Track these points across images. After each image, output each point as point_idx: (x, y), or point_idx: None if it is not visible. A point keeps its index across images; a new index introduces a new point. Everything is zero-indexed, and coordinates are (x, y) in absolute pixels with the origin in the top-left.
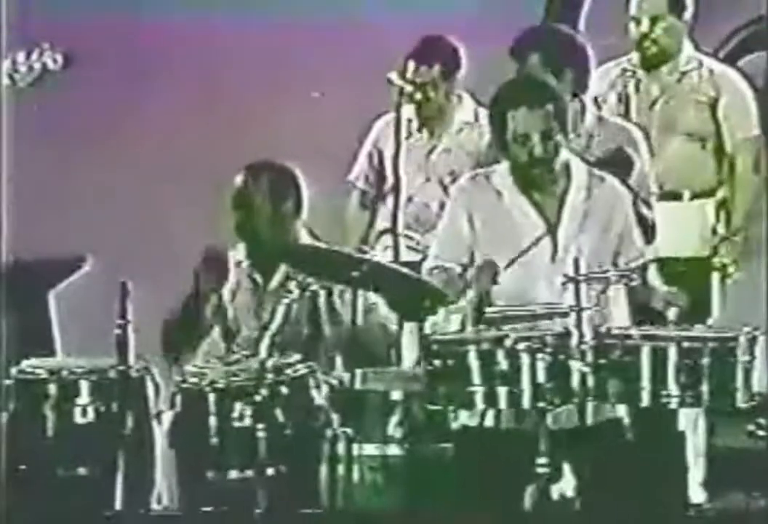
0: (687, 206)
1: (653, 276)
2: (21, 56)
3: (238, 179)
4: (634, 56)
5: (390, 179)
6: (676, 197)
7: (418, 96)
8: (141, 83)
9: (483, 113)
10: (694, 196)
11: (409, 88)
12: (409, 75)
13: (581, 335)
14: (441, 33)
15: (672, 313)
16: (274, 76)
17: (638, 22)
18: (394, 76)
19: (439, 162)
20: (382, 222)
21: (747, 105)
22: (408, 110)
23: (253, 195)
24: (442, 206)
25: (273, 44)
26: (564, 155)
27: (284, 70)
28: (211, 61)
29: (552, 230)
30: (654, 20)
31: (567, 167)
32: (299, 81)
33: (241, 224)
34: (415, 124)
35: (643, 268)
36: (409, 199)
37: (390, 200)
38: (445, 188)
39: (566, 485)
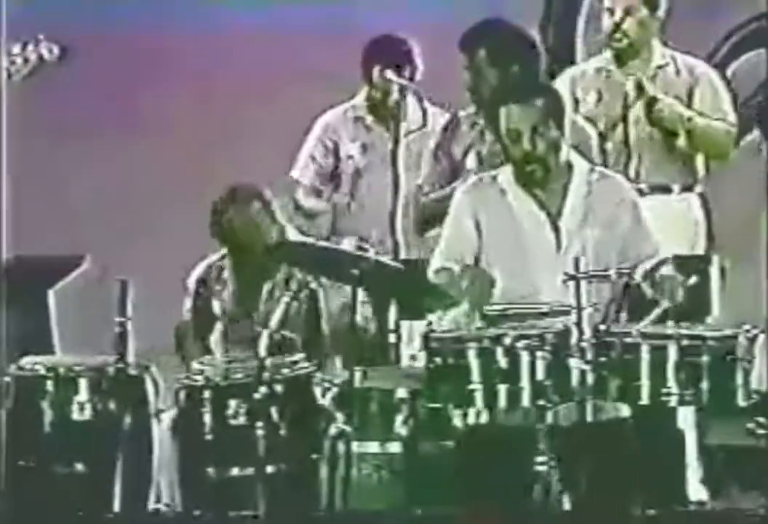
0: (675, 199)
1: (666, 270)
2: (16, 48)
3: (224, 206)
4: (607, 54)
5: (348, 171)
6: (665, 190)
7: (386, 102)
8: (139, 77)
9: (431, 110)
10: (683, 189)
11: (377, 92)
12: (382, 80)
13: (581, 333)
14: (442, 34)
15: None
16: (274, 69)
17: (611, 12)
18: (392, 74)
19: (405, 158)
20: (341, 217)
21: (721, 93)
22: (357, 108)
23: (240, 222)
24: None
25: (271, 38)
26: (564, 152)
27: (281, 65)
28: (207, 54)
29: (555, 226)
30: (627, 11)
31: (569, 165)
32: (299, 75)
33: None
34: (370, 122)
35: (657, 267)
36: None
37: (345, 195)
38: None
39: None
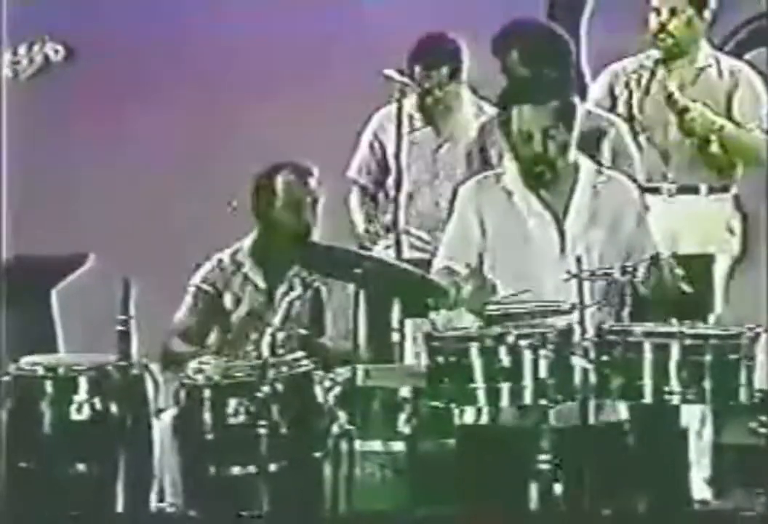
0: (704, 201)
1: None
2: (22, 48)
3: (285, 177)
4: (653, 52)
5: (392, 174)
6: (693, 190)
7: (429, 101)
8: (144, 78)
9: (485, 106)
10: (711, 190)
11: (416, 91)
12: (417, 79)
13: (583, 332)
14: (443, 31)
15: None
16: (276, 70)
17: (658, 12)
18: (393, 73)
19: (449, 159)
20: (385, 217)
21: (762, 97)
22: (408, 105)
23: (301, 193)
24: (452, 203)
25: (276, 37)
26: (572, 154)
27: (286, 65)
28: (213, 54)
29: (560, 227)
30: (673, 12)
31: (575, 166)
32: (301, 77)
33: (283, 220)
34: (418, 120)
35: (654, 264)
36: (410, 196)
37: (392, 196)
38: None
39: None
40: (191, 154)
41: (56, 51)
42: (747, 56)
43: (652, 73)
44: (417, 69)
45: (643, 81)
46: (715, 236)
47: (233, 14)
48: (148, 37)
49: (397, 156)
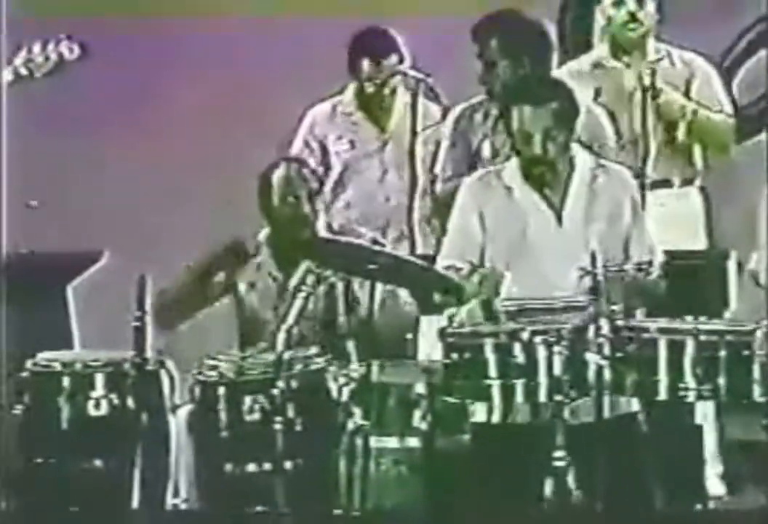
0: (677, 193)
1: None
2: (37, 46)
3: (282, 171)
4: (603, 48)
5: (336, 168)
6: (666, 184)
7: (370, 96)
8: (156, 75)
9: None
10: (683, 182)
11: (369, 85)
12: (371, 71)
13: (598, 329)
14: (459, 33)
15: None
16: (289, 68)
17: (621, 3)
18: (407, 69)
19: (396, 155)
20: (335, 213)
21: (717, 85)
22: (348, 104)
23: (297, 186)
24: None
25: (289, 34)
26: (572, 150)
27: (296, 63)
28: (226, 53)
29: (559, 220)
30: (640, 2)
31: (571, 158)
32: (313, 72)
33: (283, 214)
34: (358, 117)
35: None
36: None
37: (342, 191)
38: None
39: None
40: (205, 150)
41: (71, 49)
42: (752, 58)
43: (610, 68)
44: (365, 61)
45: (602, 77)
46: (688, 228)
47: (243, 13)
48: (146, 36)
49: (411, 152)
